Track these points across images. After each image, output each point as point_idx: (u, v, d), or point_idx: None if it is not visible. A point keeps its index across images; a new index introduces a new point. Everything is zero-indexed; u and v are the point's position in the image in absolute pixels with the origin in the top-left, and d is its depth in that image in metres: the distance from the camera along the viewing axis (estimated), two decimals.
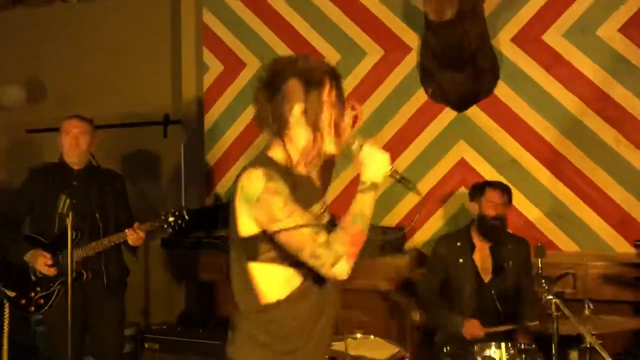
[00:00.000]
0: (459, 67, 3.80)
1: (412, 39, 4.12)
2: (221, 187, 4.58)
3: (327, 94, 1.60)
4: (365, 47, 4.24)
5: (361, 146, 1.60)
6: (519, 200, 3.87)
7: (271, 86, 1.61)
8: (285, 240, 1.54)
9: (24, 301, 3.11)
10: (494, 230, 3.16)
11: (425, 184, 4.08)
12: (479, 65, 3.82)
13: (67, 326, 2.89)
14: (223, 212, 4.35)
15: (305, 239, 1.51)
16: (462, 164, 4.02)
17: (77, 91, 4.93)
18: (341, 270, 1.51)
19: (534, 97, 3.86)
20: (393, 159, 4.39)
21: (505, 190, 3.22)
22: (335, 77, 1.63)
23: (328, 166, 1.81)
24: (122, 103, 4.74)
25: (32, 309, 3.10)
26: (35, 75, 5.50)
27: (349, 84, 4.26)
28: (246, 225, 1.59)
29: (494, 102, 3.95)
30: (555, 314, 2.23)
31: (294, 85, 1.59)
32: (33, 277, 3.08)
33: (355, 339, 2.86)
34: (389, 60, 4.18)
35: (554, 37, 3.82)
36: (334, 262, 1.50)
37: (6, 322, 3.30)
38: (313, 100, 1.58)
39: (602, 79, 3.71)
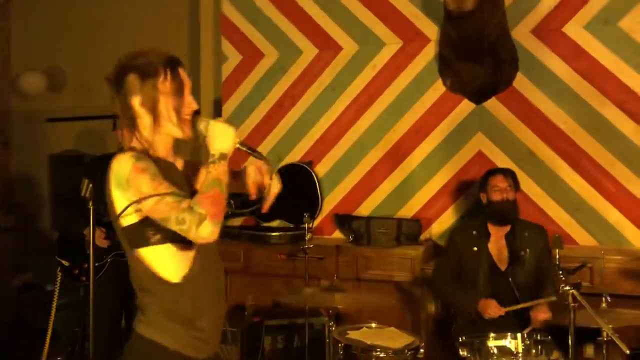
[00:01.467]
0: (478, 59, 3.78)
1: (431, 29, 4.10)
2: None
3: (162, 83, 1.71)
4: (384, 37, 4.23)
5: (206, 124, 1.71)
6: (536, 193, 3.86)
7: (116, 84, 1.75)
8: (154, 214, 1.62)
9: (77, 271, 3.39)
10: (503, 213, 3.19)
11: (443, 176, 4.08)
12: (498, 57, 3.79)
13: (106, 300, 3.16)
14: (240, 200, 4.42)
15: (170, 207, 1.58)
16: (480, 156, 4.00)
17: (96, 80, 4.95)
18: (207, 231, 1.57)
19: (553, 89, 3.83)
20: (410, 150, 4.42)
21: (507, 174, 3.27)
22: (171, 66, 1.74)
23: (195, 166, 1.88)
24: None
25: (84, 278, 3.36)
26: (55, 64, 5.57)
27: (368, 74, 4.26)
28: (127, 213, 1.66)
29: (512, 94, 3.92)
30: (573, 305, 2.22)
31: (132, 80, 1.72)
32: (87, 250, 3.22)
33: (370, 328, 2.89)
34: (408, 51, 4.17)
35: (575, 29, 3.78)
36: (199, 224, 1.56)
37: (57, 290, 3.52)
38: (148, 90, 1.71)
39: (623, 71, 3.67)
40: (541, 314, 2.89)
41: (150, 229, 1.66)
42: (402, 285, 3.79)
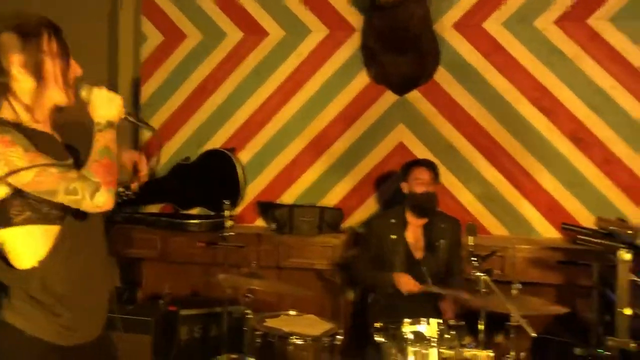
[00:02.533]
0: (402, 50, 3.83)
1: (356, 19, 4.11)
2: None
3: (47, 44, 1.59)
4: (310, 25, 4.20)
5: (90, 91, 1.63)
6: (454, 184, 3.97)
7: None
8: (35, 187, 1.50)
9: None
10: (423, 206, 3.26)
11: (365, 166, 4.12)
12: (421, 50, 3.85)
13: None
14: (158, 186, 4.27)
15: (56, 178, 1.49)
16: (401, 147, 4.07)
17: None
18: (102, 199, 1.51)
19: (472, 83, 3.94)
20: (334, 139, 4.42)
21: (430, 167, 3.33)
22: (54, 28, 1.62)
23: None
24: None
25: None
26: None
27: (293, 61, 4.22)
28: None
29: (434, 87, 4.00)
30: (484, 290, 2.30)
31: (8, 38, 1.55)
32: None
33: (289, 315, 2.87)
34: (334, 40, 4.16)
35: (494, 26, 3.90)
36: (93, 193, 1.50)
37: None
38: (31, 49, 1.56)
39: (538, 69, 3.83)
40: (449, 313, 3.00)
41: (15, 208, 1.53)
42: (323, 273, 3.80)
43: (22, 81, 1.58)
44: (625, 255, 2.29)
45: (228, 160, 4.24)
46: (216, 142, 4.34)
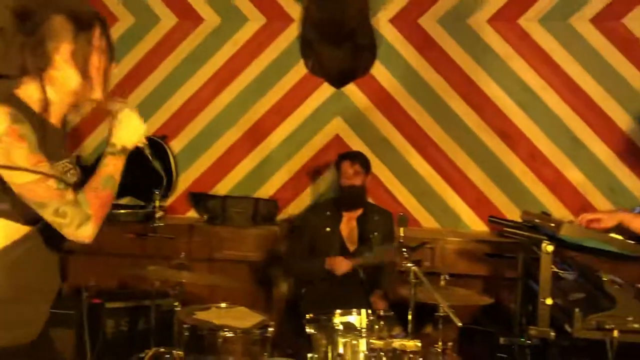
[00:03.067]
0: (339, 43, 3.84)
1: (294, 9, 4.07)
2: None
3: (98, 39, 1.53)
4: (247, 13, 4.13)
5: (122, 108, 1.60)
6: (387, 177, 4.02)
7: (30, 20, 1.47)
8: (26, 193, 1.42)
9: None
10: (348, 199, 3.28)
11: (301, 158, 4.11)
12: (358, 43, 3.88)
13: None
14: (85, 175, 4.10)
15: (52, 194, 1.42)
16: (337, 140, 4.08)
17: None
18: (87, 232, 1.45)
19: (407, 78, 3.99)
20: (270, 130, 4.39)
21: (355, 160, 3.33)
22: (104, 24, 1.56)
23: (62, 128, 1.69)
24: None
25: None
26: None
27: (229, 49, 4.14)
28: None
29: (370, 80, 4.03)
30: (414, 281, 2.34)
31: (60, 23, 1.47)
32: None
33: (220, 308, 2.81)
34: (271, 29, 4.11)
35: (428, 22, 3.96)
36: (80, 223, 1.44)
37: None
38: (83, 42, 1.49)
39: (469, 66, 3.93)
40: (379, 304, 3.04)
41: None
42: (257, 265, 3.77)
43: (62, 70, 1.48)
44: (548, 248, 2.38)
45: (160, 149, 4.12)
46: (148, 129, 4.18)
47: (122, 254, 3.79)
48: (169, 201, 4.15)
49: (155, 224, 3.25)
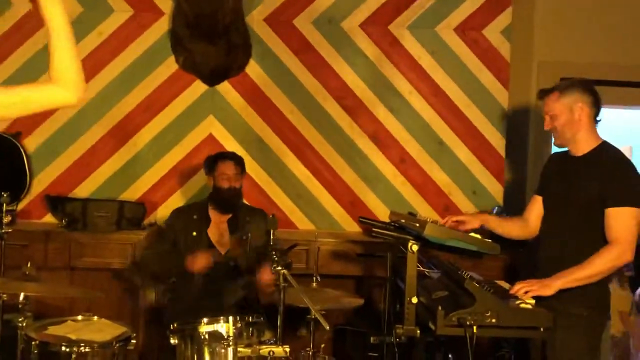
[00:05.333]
0: (212, 39, 3.71)
1: (165, 2, 3.87)
2: None
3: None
4: (113, 3, 3.87)
5: None
6: (263, 179, 3.96)
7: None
8: None
9: None
10: (229, 202, 3.20)
11: (172, 158, 3.92)
12: (232, 41, 3.78)
13: None
14: None
15: None
16: (211, 139, 3.94)
17: None
18: None
19: (282, 79, 3.95)
20: (138, 128, 4.16)
21: (237, 162, 3.27)
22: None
23: None
24: None
25: None
26: None
27: (92, 41, 3.85)
28: None
29: (245, 79, 3.94)
30: (283, 284, 2.29)
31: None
32: None
33: (76, 321, 2.59)
34: (139, 22, 3.88)
35: (303, 24, 3.96)
36: None
37: None
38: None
39: (343, 69, 3.97)
40: (265, 275, 2.92)
41: None
42: (121, 273, 3.54)
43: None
44: (414, 247, 2.44)
45: (12, 147, 3.74)
46: None
47: None
48: (22, 204, 3.77)
49: (3, 230, 2.94)
